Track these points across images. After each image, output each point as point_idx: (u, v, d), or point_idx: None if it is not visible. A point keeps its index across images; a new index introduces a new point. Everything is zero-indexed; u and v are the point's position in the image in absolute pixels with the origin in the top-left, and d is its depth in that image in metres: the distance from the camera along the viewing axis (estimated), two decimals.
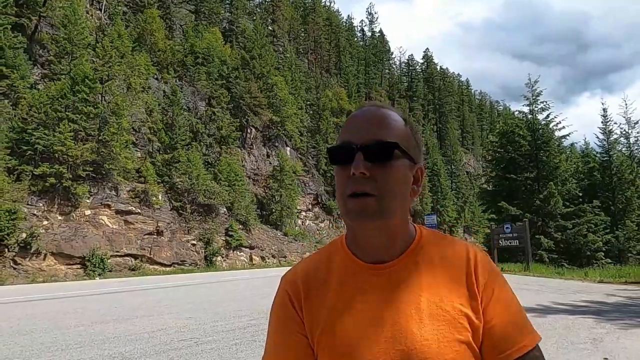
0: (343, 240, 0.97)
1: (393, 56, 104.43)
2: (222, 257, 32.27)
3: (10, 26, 27.31)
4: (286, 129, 47.73)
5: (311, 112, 56.44)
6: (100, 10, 41.17)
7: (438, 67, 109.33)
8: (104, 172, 27.19)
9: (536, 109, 30.85)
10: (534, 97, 30.78)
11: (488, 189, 33.60)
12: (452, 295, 0.89)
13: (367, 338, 0.87)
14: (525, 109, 31.41)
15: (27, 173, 24.43)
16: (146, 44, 39.92)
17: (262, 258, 35.54)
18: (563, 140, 31.47)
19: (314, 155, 53.35)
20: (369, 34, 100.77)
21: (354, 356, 0.87)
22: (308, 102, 57.48)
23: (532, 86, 30.69)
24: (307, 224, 47.17)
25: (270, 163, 45.70)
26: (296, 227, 44.30)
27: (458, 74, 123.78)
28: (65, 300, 12.48)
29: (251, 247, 35.01)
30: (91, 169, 26.23)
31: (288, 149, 48.85)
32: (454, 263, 0.93)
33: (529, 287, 13.17)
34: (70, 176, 25.11)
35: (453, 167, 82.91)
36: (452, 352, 0.85)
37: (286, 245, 39.38)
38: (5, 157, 23.93)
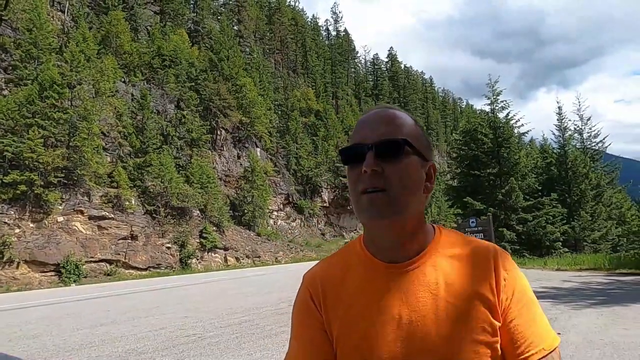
0: (361, 241, 0.99)
1: (358, 55, 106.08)
2: (197, 259, 32.51)
3: None
4: (256, 130, 48.12)
5: (280, 112, 56.95)
6: (63, 12, 40.45)
7: (402, 66, 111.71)
8: (75, 178, 27.02)
9: (497, 107, 32.47)
10: (494, 97, 32.34)
11: (454, 185, 35.02)
12: (470, 296, 0.89)
13: (383, 337, 0.89)
14: (487, 108, 33.00)
15: None
16: (112, 47, 39.52)
17: (237, 259, 35.94)
18: (523, 137, 33.23)
19: (284, 155, 53.92)
20: (334, 33, 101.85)
21: (370, 354, 0.89)
22: (276, 103, 57.94)
23: (493, 86, 32.22)
24: (279, 223, 47.72)
25: (241, 164, 46.01)
26: (268, 227, 44.80)
27: (422, 72, 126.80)
28: (54, 307, 12.74)
29: (225, 249, 35.36)
30: (62, 175, 26.05)
31: (258, 149, 49.25)
32: (474, 263, 0.93)
33: None
34: (42, 183, 24.90)
35: None
36: (471, 352, 0.86)
37: (260, 245, 39.86)
38: None
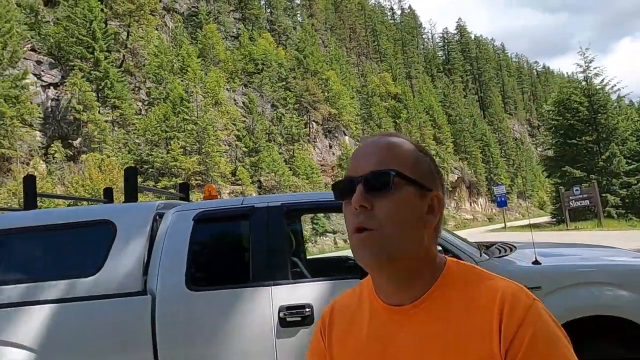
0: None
1: (425, 30, 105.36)
2: (312, 243, 36.09)
3: (108, 61, 31.52)
4: (343, 120, 50.95)
5: (361, 99, 59.30)
6: (167, 34, 45.29)
7: (472, 36, 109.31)
8: (209, 180, 31.29)
9: (590, 74, 32.77)
10: (586, 64, 32.69)
11: (550, 155, 35.79)
12: (468, 351, 0.78)
13: None
14: (580, 76, 33.34)
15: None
16: (209, 59, 43.76)
17: (344, 240, 39.23)
18: (621, 100, 33.29)
19: None
20: (398, 12, 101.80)
21: None
22: (356, 90, 60.34)
23: (584, 53, 32.58)
24: None
25: (333, 153, 49.13)
26: None
27: (492, 39, 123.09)
28: None
29: (334, 232, 38.71)
30: (200, 178, 30.35)
31: (347, 137, 52.10)
32: (479, 311, 0.80)
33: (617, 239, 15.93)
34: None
35: (500, 134, 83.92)
36: None
37: None
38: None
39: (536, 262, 2.89)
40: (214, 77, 38.41)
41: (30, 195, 3.22)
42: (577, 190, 26.22)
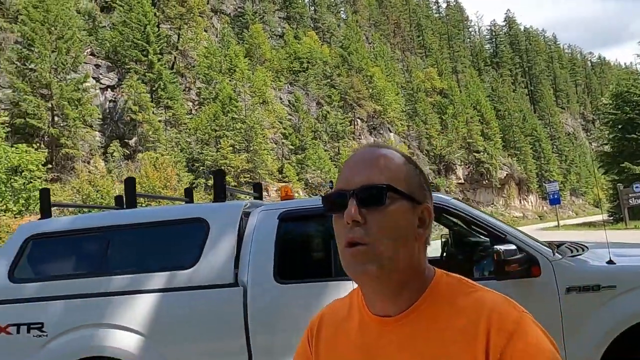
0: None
1: (472, 23, 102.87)
2: None
3: (161, 63, 32.72)
4: (388, 116, 50.70)
5: (406, 95, 58.75)
6: (216, 35, 46.52)
7: (522, 27, 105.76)
8: (257, 177, 32.00)
9: None
10: None
11: (606, 150, 34.26)
12: None
13: None
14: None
15: (202, 185, 29.72)
16: (257, 58, 44.59)
17: None
18: None
19: (415, 137, 55.79)
20: (443, 5, 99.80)
21: None
22: (401, 86, 59.83)
23: None
24: None
25: None
26: None
27: (543, 30, 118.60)
28: None
29: None
30: (248, 175, 31.11)
31: (392, 134, 51.79)
32: (466, 324, 0.79)
33: None
34: (235, 183, 30.10)
35: (552, 129, 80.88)
36: None
37: None
38: (185, 174, 29.36)
39: (610, 262, 2.95)
40: (261, 77, 39.17)
41: (130, 195, 3.58)
42: (637, 187, 25.05)
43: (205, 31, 46.27)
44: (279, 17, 57.17)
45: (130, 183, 3.61)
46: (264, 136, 32.31)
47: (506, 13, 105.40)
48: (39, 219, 3.69)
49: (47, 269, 3.42)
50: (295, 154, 37.16)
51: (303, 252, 3.54)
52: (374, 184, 0.82)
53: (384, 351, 0.86)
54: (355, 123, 48.31)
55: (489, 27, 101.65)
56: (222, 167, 29.96)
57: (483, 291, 0.84)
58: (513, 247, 2.84)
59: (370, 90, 49.41)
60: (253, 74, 38.75)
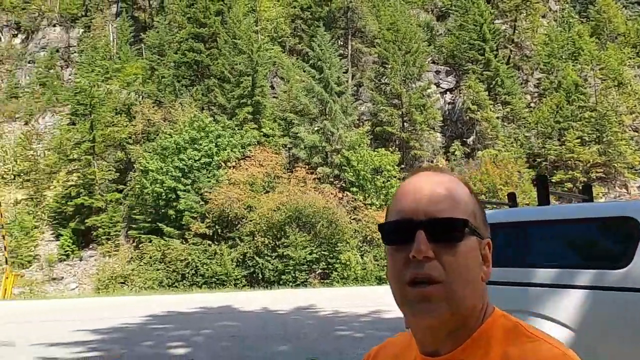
0: None
1: None
2: None
3: (498, 60, 32.29)
4: None
5: None
6: (554, 19, 42.86)
7: None
8: (612, 172, 27.87)
9: None
10: None
11: None
12: None
13: None
14: None
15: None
16: (607, 35, 38.52)
17: None
18: None
19: None
20: None
21: None
22: None
23: None
24: None
25: None
26: None
27: None
28: None
29: None
30: (601, 170, 27.40)
31: None
32: None
33: None
34: (585, 179, 27.01)
35: None
36: None
37: None
38: (526, 170, 28.23)
39: None
40: (614, 55, 33.74)
41: (542, 193, 3.72)
42: None
43: (543, 16, 43.30)
44: None
45: (541, 181, 3.73)
46: (620, 124, 27.69)
47: None
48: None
49: None
50: None
51: None
52: (450, 218, 0.74)
53: None
54: None
55: None
56: (568, 162, 27.47)
57: (540, 342, 0.73)
58: None
59: None
60: (603, 53, 33.76)
